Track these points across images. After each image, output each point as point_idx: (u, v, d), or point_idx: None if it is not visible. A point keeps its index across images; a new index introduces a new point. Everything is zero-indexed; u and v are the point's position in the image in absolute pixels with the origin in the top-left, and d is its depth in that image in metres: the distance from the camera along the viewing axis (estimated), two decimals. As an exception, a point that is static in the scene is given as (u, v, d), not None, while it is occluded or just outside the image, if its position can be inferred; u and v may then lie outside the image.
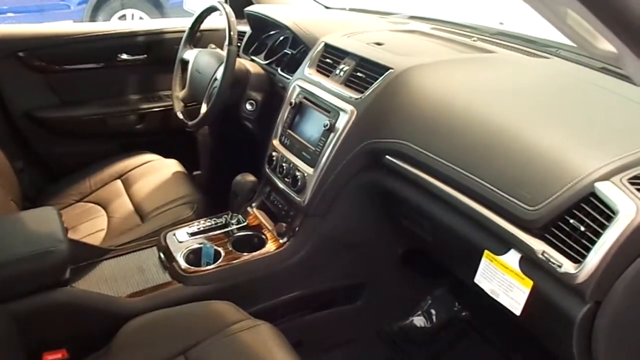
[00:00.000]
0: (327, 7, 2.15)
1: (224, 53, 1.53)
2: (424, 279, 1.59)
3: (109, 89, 1.97)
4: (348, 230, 1.35)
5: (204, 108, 1.60)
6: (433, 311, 1.60)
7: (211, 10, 1.70)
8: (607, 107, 1.02)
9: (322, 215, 1.31)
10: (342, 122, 1.22)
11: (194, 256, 1.30)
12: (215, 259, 1.28)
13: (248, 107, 1.64)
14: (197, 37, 1.84)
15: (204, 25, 1.80)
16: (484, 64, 1.27)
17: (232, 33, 1.51)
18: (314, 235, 1.32)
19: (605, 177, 0.78)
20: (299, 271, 1.34)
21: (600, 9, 0.51)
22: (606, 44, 0.57)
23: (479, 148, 0.96)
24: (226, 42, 1.52)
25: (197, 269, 1.25)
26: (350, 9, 2.08)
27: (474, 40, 1.45)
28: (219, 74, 1.55)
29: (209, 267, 1.26)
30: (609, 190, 0.76)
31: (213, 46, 1.78)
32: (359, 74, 1.27)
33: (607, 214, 0.76)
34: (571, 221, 0.79)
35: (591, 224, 0.77)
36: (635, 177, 0.78)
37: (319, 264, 1.36)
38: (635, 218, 0.73)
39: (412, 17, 1.85)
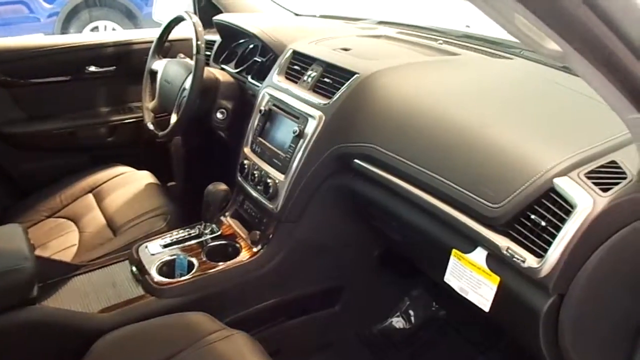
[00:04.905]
0: (297, 15, 2.16)
1: (193, 62, 1.52)
2: (401, 280, 1.60)
3: (78, 102, 1.94)
4: (322, 234, 1.36)
5: (173, 118, 1.59)
6: (411, 312, 1.61)
7: (179, 20, 1.70)
8: (566, 104, 1.05)
9: (295, 221, 1.31)
10: (310, 128, 1.23)
11: (168, 268, 1.28)
12: (189, 270, 1.27)
13: (219, 115, 1.64)
14: (166, 47, 1.83)
15: (173, 35, 1.79)
16: (448, 66, 1.29)
17: (199, 42, 1.51)
18: (288, 242, 1.32)
19: (564, 173, 0.80)
20: (274, 278, 1.33)
21: (544, 14, 0.54)
22: (552, 44, 0.60)
23: (443, 148, 0.98)
24: (194, 51, 1.51)
25: (170, 280, 1.23)
26: (321, 16, 2.09)
27: (439, 43, 1.47)
28: (187, 84, 1.54)
29: (182, 278, 1.24)
30: (567, 185, 0.78)
31: (182, 56, 1.77)
32: (326, 79, 1.28)
33: (566, 208, 0.77)
34: (532, 217, 0.81)
35: (551, 218, 0.79)
36: (591, 172, 0.80)
37: (295, 270, 1.36)
38: (592, 211, 0.75)
39: (380, 23, 1.87)
